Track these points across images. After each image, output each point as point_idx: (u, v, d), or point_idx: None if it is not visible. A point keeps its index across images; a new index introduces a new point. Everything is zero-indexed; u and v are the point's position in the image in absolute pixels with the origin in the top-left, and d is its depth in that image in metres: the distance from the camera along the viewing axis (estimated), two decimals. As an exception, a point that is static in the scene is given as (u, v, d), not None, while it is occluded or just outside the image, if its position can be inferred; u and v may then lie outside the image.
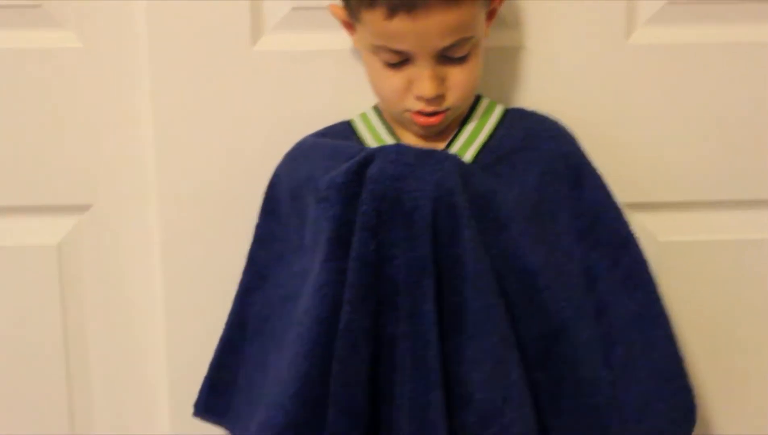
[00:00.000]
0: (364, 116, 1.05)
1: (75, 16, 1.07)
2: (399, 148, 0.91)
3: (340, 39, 1.03)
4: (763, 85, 1.09)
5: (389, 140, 1.01)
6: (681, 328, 1.13)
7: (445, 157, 0.91)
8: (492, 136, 1.01)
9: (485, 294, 0.89)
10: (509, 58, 1.07)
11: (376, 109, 1.04)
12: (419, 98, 0.95)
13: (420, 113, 0.96)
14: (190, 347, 1.12)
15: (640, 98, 1.10)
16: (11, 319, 1.15)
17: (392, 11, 0.89)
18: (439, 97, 0.95)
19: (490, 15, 0.99)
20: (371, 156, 0.90)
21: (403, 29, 0.90)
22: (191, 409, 1.06)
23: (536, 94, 1.10)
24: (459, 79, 0.95)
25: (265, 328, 1.00)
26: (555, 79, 1.10)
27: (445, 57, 0.94)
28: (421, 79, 0.94)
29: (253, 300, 1.02)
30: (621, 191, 1.09)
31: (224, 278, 1.08)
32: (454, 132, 1.00)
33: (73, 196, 1.13)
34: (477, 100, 1.03)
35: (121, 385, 1.17)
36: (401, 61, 0.94)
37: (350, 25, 0.99)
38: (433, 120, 0.96)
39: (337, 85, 1.08)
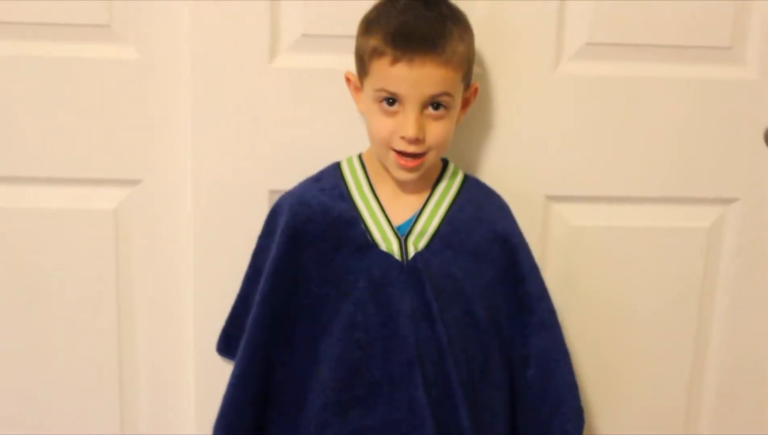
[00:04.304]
0: (350, 162, 1.17)
1: (135, 34, 1.21)
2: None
3: (339, 62, 1.16)
4: (653, 114, 1.27)
5: (368, 191, 1.14)
6: (585, 297, 1.33)
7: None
8: (455, 202, 1.15)
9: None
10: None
11: (360, 159, 1.17)
12: (403, 138, 1.06)
13: (402, 154, 1.07)
14: (214, 298, 1.26)
15: (563, 119, 1.26)
16: (73, 266, 1.29)
17: (395, 60, 1.03)
18: (419, 141, 1.06)
19: (465, 103, 1.14)
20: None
21: (402, 75, 1.03)
22: (210, 353, 1.27)
23: (473, 118, 1.23)
24: (436, 131, 1.07)
25: None
26: (491, 103, 1.24)
27: (428, 109, 1.06)
28: (407, 122, 1.05)
29: (252, 287, 1.19)
30: (545, 186, 1.28)
31: (239, 249, 1.22)
32: (425, 198, 1.14)
33: (128, 172, 1.26)
34: (445, 166, 1.17)
35: (159, 329, 1.32)
36: (394, 101, 1.05)
37: (358, 88, 1.12)
38: (412, 163, 1.08)
39: (338, 96, 1.19)
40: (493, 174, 1.27)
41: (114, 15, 1.21)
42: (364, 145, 1.19)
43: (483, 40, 1.20)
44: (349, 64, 1.14)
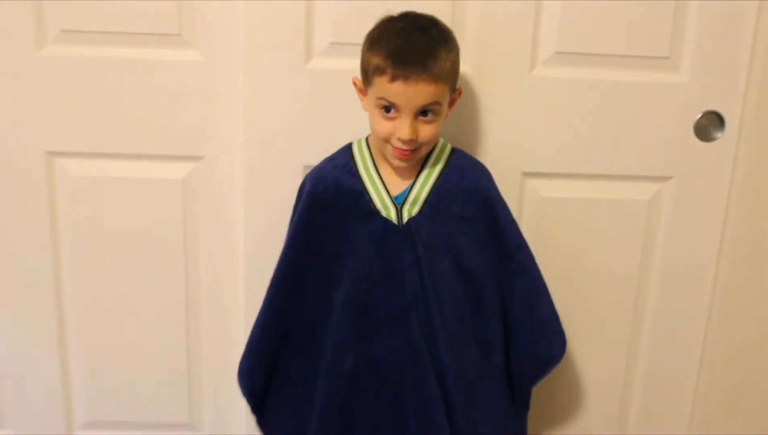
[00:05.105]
0: (359, 144, 1.27)
1: (200, 42, 1.37)
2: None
3: (358, 65, 1.23)
4: (607, 109, 1.42)
5: (372, 168, 1.24)
6: (551, 252, 1.46)
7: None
8: (441, 175, 1.24)
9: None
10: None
11: (367, 142, 1.27)
12: (399, 139, 1.16)
13: (399, 150, 1.18)
14: (262, 248, 1.42)
15: (536, 112, 1.41)
16: (149, 226, 1.46)
17: (394, 78, 1.13)
18: (412, 141, 1.16)
19: (451, 103, 1.23)
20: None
21: (399, 90, 1.13)
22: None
23: (464, 110, 1.38)
24: (426, 132, 1.17)
25: None
26: (479, 98, 1.38)
27: (420, 116, 1.16)
28: (403, 127, 1.15)
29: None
30: (521, 164, 1.43)
31: (281, 211, 1.35)
32: (416, 172, 1.24)
33: (193, 150, 1.43)
34: (434, 145, 1.26)
35: (218, 276, 1.49)
36: (391, 108, 1.15)
37: (362, 91, 1.21)
38: (407, 155, 1.19)
39: (356, 93, 1.28)
40: (480, 155, 1.41)
41: (183, 26, 1.38)
42: (373, 131, 1.26)
43: (473, 47, 1.36)
44: (365, 68, 1.24)
